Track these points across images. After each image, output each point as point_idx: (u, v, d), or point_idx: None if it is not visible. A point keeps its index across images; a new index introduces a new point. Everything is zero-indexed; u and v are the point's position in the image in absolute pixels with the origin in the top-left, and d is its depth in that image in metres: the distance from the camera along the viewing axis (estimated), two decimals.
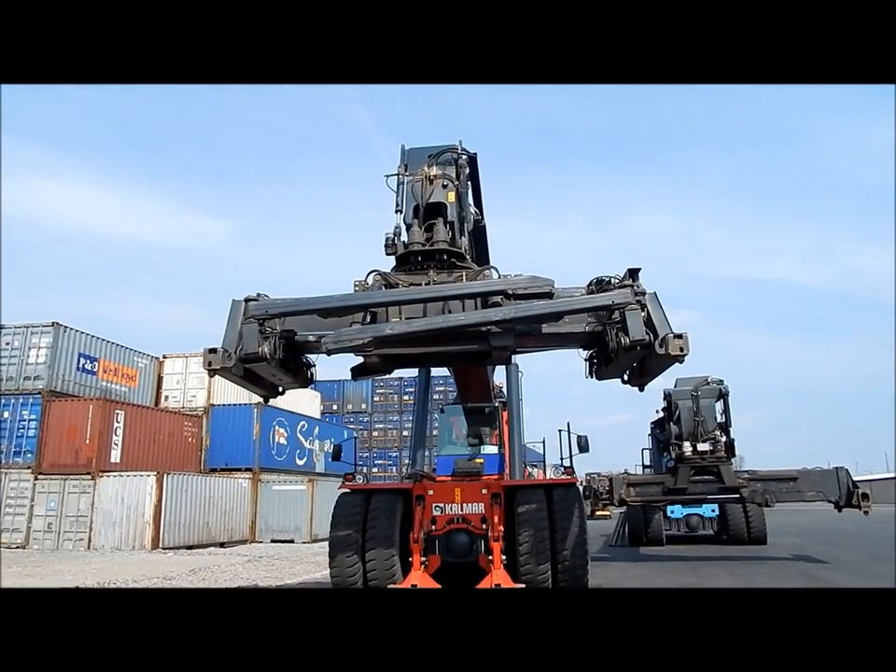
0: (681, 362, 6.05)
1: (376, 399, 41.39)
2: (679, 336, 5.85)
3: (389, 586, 7.85)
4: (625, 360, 6.60)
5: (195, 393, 23.07)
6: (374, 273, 6.75)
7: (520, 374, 11.33)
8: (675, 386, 15.59)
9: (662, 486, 13.58)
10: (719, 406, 14.66)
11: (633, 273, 6.45)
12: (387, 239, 6.97)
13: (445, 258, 6.83)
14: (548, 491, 8.39)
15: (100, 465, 18.35)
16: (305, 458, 25.52)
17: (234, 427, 22.70)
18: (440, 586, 7.79)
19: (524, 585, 7.63)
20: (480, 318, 6.32)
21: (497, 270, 6.90)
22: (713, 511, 17.20)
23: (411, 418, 12.53)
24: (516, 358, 11.32)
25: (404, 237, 7.00)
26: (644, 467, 19.61)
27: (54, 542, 17.82)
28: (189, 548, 18.38)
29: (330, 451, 13.08)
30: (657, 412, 17.46)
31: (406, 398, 38.05)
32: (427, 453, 11.34)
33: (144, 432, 20.19)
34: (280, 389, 7.52)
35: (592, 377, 7.28)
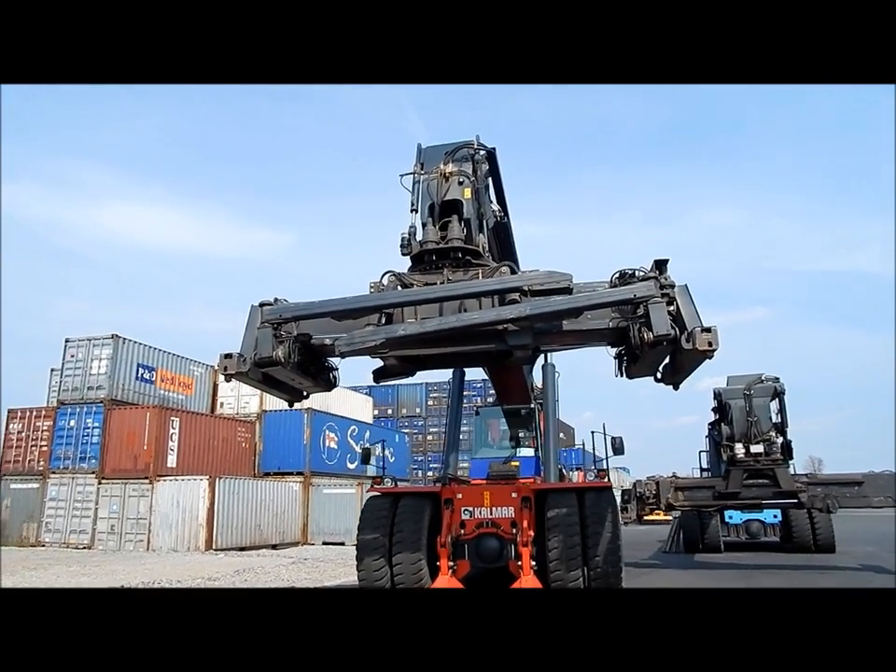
0: (710, 357, 5.68)
1: (430, 403, 41.36)
2: (708, 330, 5.48)
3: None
4: (652, 357, 6.25)
5: (248, 399, 23.73)
6: (389, 274, 6.66)
7: (557, 374, 11.01)
8: (727, 384, 14.83)
9: (713, 490, 12.91)
10: (774, 406, 13.81)
11: (660, 265, 6.08)
12: (403, 239, 6.86)
13: (460, 256, 6.67)
14: (580, 495, 8.09)
15: (157, 470, 19.11)
16: (356, 462, 25.80)
17: (286, 433, 23.24)
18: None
19: None
20: (493, 317, 6.11)
21: (512, 267, 6.69)
22: (775, 516, 16.14)
23: (464, 422, 12.35)
24: (552, 358, 11.06)
25: (419, 236, 6.89)
26: (702, 469, 18.79)
27: (117, 543, 18.68)
28: (242, 549, 18.84)
29: (380, 454, 13.04)
30: (714, 411, 16.69)
31: None
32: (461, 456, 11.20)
33: (198, 438, 20.90)
34: (304, 393, 7.54)
35: (622, 376, 6.96)
